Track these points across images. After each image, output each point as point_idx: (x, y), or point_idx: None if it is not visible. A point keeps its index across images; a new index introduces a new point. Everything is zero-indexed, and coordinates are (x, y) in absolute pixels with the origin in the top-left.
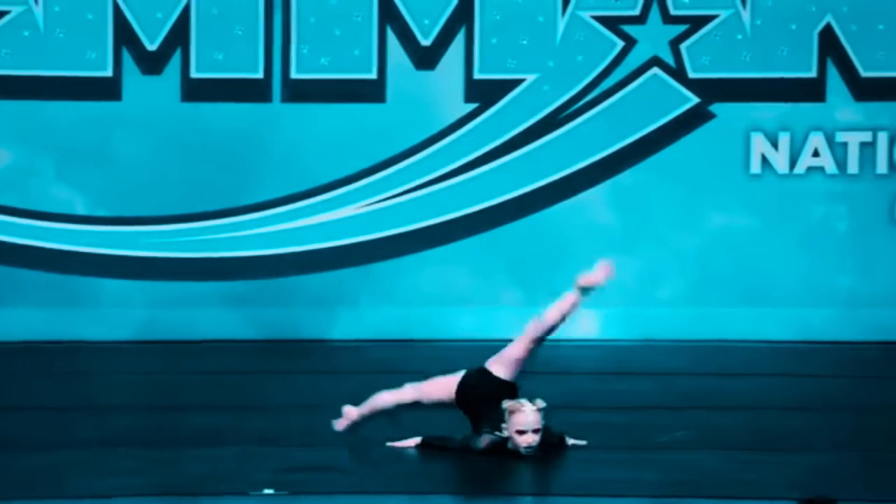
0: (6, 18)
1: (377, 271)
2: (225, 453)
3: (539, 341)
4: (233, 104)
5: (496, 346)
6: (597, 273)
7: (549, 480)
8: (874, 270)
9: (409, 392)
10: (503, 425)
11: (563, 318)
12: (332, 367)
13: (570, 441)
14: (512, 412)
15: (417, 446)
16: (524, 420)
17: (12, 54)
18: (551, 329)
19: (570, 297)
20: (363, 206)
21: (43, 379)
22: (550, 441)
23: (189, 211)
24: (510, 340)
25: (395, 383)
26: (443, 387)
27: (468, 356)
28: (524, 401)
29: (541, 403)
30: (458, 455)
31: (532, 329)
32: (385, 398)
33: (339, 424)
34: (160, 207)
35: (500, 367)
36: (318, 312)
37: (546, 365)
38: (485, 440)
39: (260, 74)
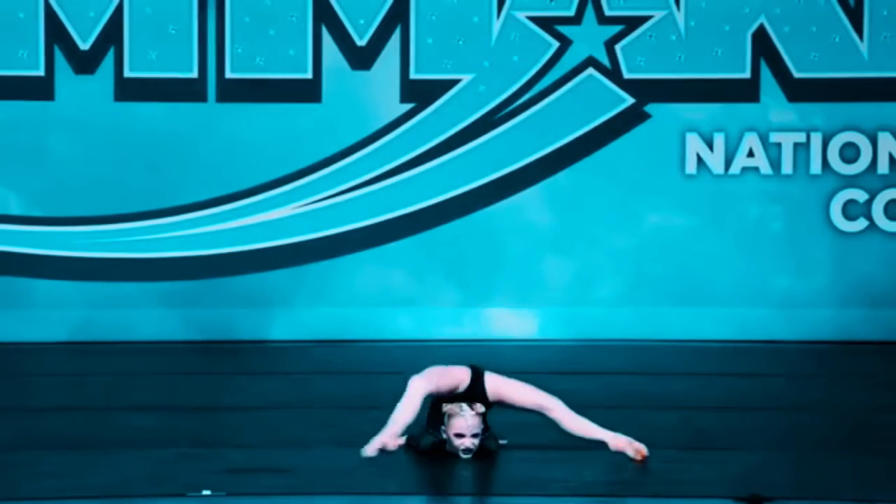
0: None
1: (313, 272)
2: (161, 455)
3: (533, 410)
4: (167, 104)
5: (434, 346)
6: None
7: (487, 480)
8: (809, 270)
9: (420, 391)
10: (442, 427)
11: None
12: (269, 368)
13: (503, 441)
14: (451, 416)
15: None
16: (463, 425)
17: None
18: (555, 418)
19: (601, 435)
20: (299, 207)
21: None
22: (489, 447)
23: (124, 211)
24: (447, 340)
25: (334, 384)
26: (453, 377)
27: (406, 356)
28: (464, 405)
29: (480, 408)
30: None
31: (547, 405)
32: (407, 408)
33: (370, 450)
34: (95, 207)
35: (493, 386)
36: (254, 313)
37: (485, 364)
38: (427, 441)
39: (194, 74)
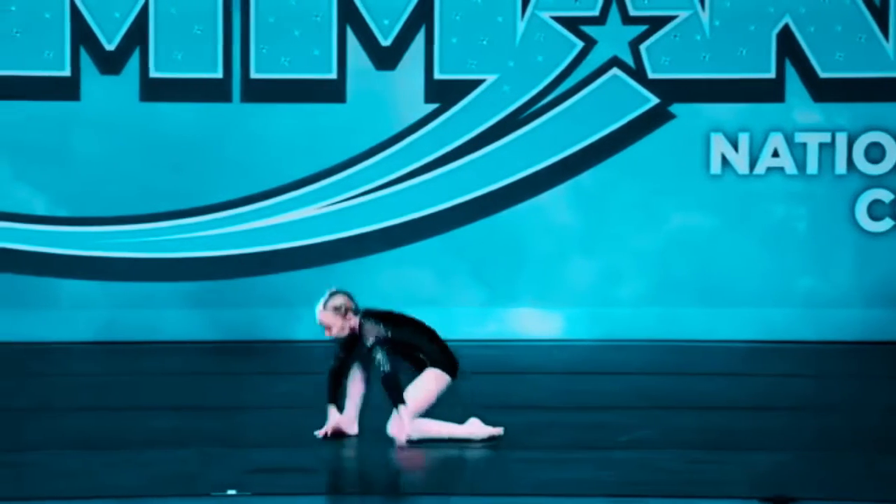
0: None
1: (338, 272)
2: (186, 454)
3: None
4: (192, 104)
5: (458, 345)
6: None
7: (509, 480)
8: (833, 270)
9: (424, 402)
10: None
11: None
12: (294, 368)
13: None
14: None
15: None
16: (319, 317)
17: None
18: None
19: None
20: (324, 207)
21: (1, 380)
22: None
23: (149, 211)
24: (471, 340)
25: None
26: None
27: None
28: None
29: (333, 301)
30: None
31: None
32: (431, 425)
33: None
34: (120, 208)
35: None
36: (278, 313)
37: (507, 365)
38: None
39: (219, 74)
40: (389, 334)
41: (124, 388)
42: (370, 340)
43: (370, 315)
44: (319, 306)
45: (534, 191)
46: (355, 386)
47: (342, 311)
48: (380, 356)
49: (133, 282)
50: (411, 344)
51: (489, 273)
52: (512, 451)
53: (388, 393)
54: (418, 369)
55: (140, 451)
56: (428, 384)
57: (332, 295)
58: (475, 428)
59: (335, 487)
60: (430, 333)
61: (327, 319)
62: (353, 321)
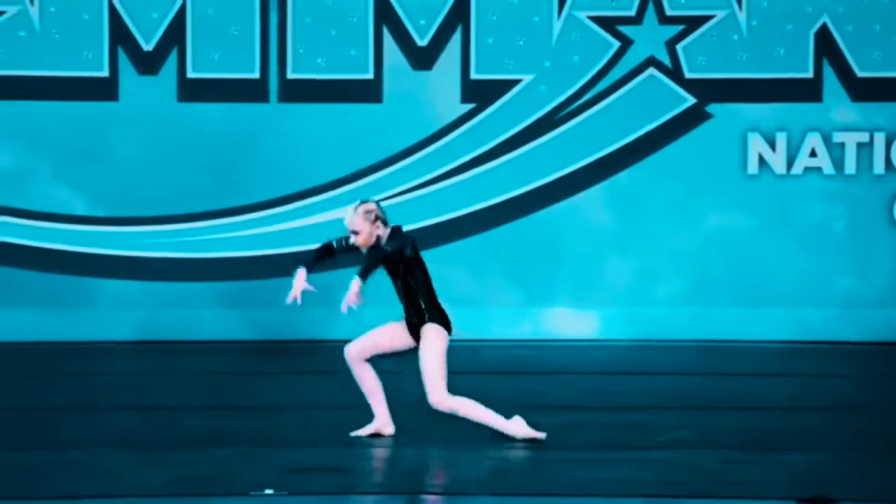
0: (2, 19)
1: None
2: (224, 454)
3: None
4: (229, 104)
5: (493, 345)
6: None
7: (548, 480)
8: (872, 270)
9: (442, 365)
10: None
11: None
12: (330, 368)
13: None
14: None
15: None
16: (347, 221)
17: (8, 54)
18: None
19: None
20: None
21: (40, 380)
22: (381, 251)
23: (186, 211)
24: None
25: (393, 383)
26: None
27: (466, 356)
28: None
29: (365, 206)
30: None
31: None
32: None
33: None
34: (157, 207)
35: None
36: (314, 313)
37: (543, 365)
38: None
39: (256, 74)
40: (409, 253)
41: (161, 388)
42: (392, 245)
43: (401, 231)
44: (350, 210)
45: (570, 191)
46: (373, 383)
47: (371, 218)
48: (390, 249)
49: (170, 282)
50: (420, 280)
51: (525, 273)
52: (549, 452)
53: (365, 263)
54: (414, 315)
55: (177, 451)
56: (436, 345)
57: (362, 202)
58: (518, 426)
59: (371, 487)
60: (432, 287)
61: (357, 224)
62: (381, 230)
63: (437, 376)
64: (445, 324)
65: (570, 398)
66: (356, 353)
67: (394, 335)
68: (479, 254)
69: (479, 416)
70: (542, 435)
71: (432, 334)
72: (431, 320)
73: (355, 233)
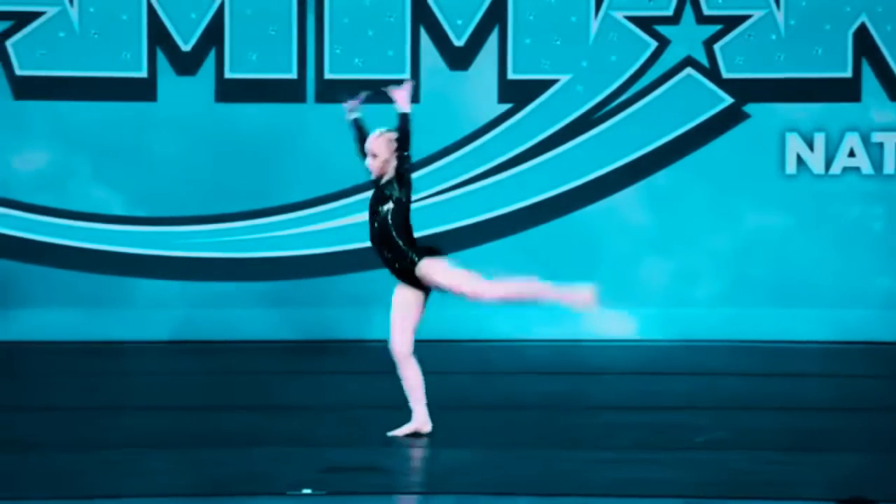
0: (42, 19)
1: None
2: (261, 453)
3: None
4: (267, 104)
5: (531, 346)
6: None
7: (585, 481)
8: None
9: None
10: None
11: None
12: (368, 368)
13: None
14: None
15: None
16: (368, 143)
17: (48, 55)
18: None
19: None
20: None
21: (79, 379)
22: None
23: (224, 211)
24: (544, 340)
25: (431, 383)
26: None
27: (503, 356)
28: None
29: (391, 133)
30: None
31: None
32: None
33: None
34: (196, 207)
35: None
36: (352, 312)
37: (584, 365)
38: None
39: (294, 75)
40: (405, 200)
41: (199, 388)
42: (403, 193)
43: (410, 184)
44: (375, 133)
45: (607, 191)
46: (416, 379)
47: (393, 147)
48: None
49: (208, 281)
50: (401, 224)
51: (563, 273)
52: (587, 452)
53: (405, 127)
54: (395, 260)
55: (214, 451)
56: (439, 267)
57: (389, 130)
58: (583, 294)
59: (410, 487)
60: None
61: (377, 146)
62: (395, 164)
63: (467, 276)
64: (431, 251)
65: (607, 398)
66: (407, 347)
67: (407, 302)
68: (516, 254)
69: (535, 290)
70: (591, 294)
71: (428, 268)
72: (420, 257)
73: (374, 156)
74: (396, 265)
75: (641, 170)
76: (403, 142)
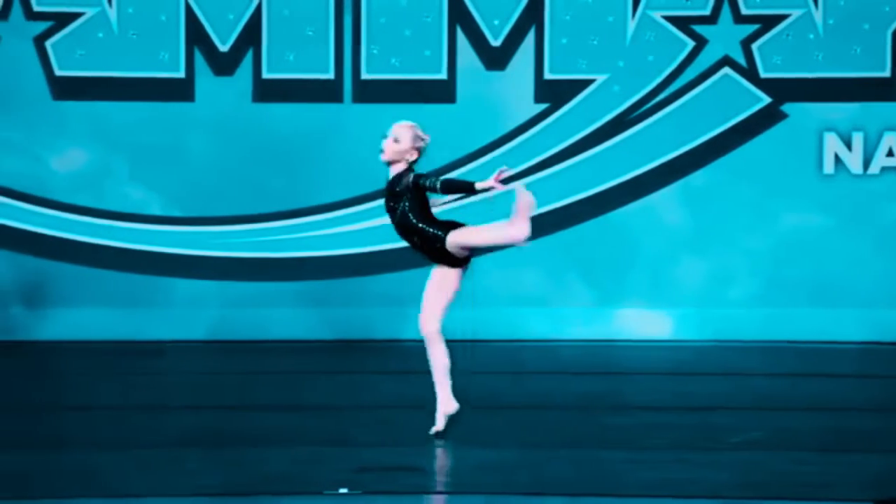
0: (81, 20)
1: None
2: (298, 453)
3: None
4: (304, 104)
5: (566, 345)
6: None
7: (620, 481)
8: None
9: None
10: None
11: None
12: (403, 367)
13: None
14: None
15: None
16: (393, 127)
17: (86, 55)
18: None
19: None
20: (433, 207)
21: (116, 378)
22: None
23: (261, 211)
24: (579, 340)
25: (465, 383)
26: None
27: (538, 356)
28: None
29: (416, 126)
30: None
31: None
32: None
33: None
34: (232, 207)
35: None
36: (388, 312)
37: (619, 365)
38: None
39: (331, 75)
40: (417, 190)
41: (236, 387)
42: (409, 175)
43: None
44: (405, 122)
45: (644, 191)
46: (442, 360)
47: (415, 135)
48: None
49: (245, 281)
50: (418, 210)
51: (598, 273)
52: (622, 452)
53: (457, 188)
54: (423, 244)
55: (252, 450)
56: (465, 230)
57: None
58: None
59: (445, 486)
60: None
61: (402, 132)
62: (414, 156)
63: (494, 226)
64: (455, 225)
65: (642, 399)
66: (435, 326)
67: (441, 280)
68: (552, 254)
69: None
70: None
71: (456, 238)
72: (446, 233)
73: (395, 140)
74: (427, 248)
75: (678, 170)
76: (441, 190)
